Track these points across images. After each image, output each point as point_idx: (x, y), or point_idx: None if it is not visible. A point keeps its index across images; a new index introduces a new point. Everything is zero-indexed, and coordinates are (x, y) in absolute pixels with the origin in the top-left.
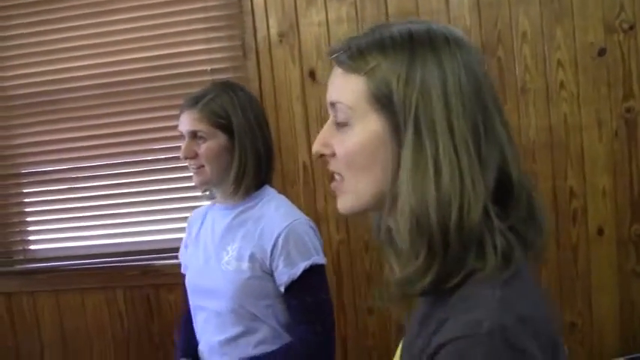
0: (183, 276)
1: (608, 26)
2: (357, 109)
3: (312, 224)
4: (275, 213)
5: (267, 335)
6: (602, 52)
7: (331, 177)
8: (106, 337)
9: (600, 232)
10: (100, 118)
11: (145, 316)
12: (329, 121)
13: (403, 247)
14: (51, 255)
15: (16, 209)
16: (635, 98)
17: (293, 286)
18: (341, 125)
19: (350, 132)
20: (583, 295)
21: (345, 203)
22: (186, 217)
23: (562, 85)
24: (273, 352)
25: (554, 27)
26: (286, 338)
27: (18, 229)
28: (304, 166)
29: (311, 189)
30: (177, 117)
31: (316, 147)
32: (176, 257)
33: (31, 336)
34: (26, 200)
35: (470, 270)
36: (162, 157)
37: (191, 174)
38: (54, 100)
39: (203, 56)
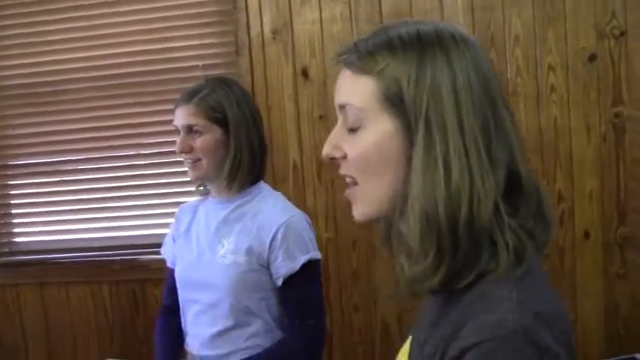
0: (168, 270)
1: (599, 32)
2: (368, 110)
3: (308, 220)
4: (273, 208)
5: (260, 329)
6: (592, 58)
7: (346, 184)
8: (90, 330)
9: (587, 235)
10: (88, 111)
11: (131, 311)
12: (338, 124)
13: (413, 247)
14: (36, 247)
15: (1, 201)
16: (623, 104)
17: (290, 280)
18: (352, 127)
19: (361, 133)
20: (568, 297)
21: (361, 210)
22: (173, 213)
23: (552, 88)
24: (267, 350)
25: (547, 31)
26: (277, 332)
27: (3, 221)
28: (294, 165)
29: (300, 187)
30: (166, 112)
31: (327, 150)
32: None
33: (14, 328)
34: (12, 192)
35: (482, 269)
36: (151, 151)
37: (179, 169)
38: (42, 92)
39: (196, 51)
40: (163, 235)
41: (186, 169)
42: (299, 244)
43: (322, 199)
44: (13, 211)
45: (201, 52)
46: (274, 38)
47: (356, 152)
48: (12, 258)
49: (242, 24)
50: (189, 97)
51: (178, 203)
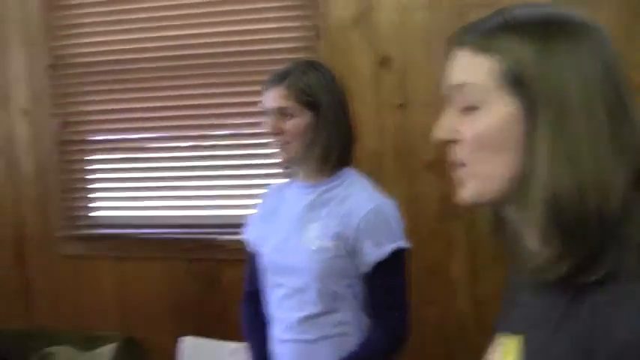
0: (249, 254)
1: None
2: (486, 89)
3: (397, 207)
4: (361, 194)
5: (348, 316)
6: None
7: (456, 166)
8: (164, 307)
9: None
10: (167, 90)
11: (206, 290)
12: (450, 107)
13: (536, 235)
14: (114, 222)
15: (80, 175)
16: None
17: (378, 268)
18: (469, 108)
19: (478, 114)
20: None
21: (470, 191)
22: (253, 194)
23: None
24: (355, 352)
25: (636, 27)
26: (365, 320)
27: (81, 195)
28: (373, 153)
29: (379, 176)
30: (248, 93)
31: (441, 133)
32: (240, 233)
33: (92, 300)
34: (91, 167)
35: (614, 265)
36: (234, 132)
37: (261, 151)
38: (123, 70)
39: (275, 34)
40: (242, 216)
41: (268, 150)
42: (387, 232)
43: (401, 189)
44: (92, 186)
45: (280, 35)
46: (355, 24)
47: (473, 133)
48: (90, 231)
49: (323, 9)
50: (281, 79)
51: (259, 185)
